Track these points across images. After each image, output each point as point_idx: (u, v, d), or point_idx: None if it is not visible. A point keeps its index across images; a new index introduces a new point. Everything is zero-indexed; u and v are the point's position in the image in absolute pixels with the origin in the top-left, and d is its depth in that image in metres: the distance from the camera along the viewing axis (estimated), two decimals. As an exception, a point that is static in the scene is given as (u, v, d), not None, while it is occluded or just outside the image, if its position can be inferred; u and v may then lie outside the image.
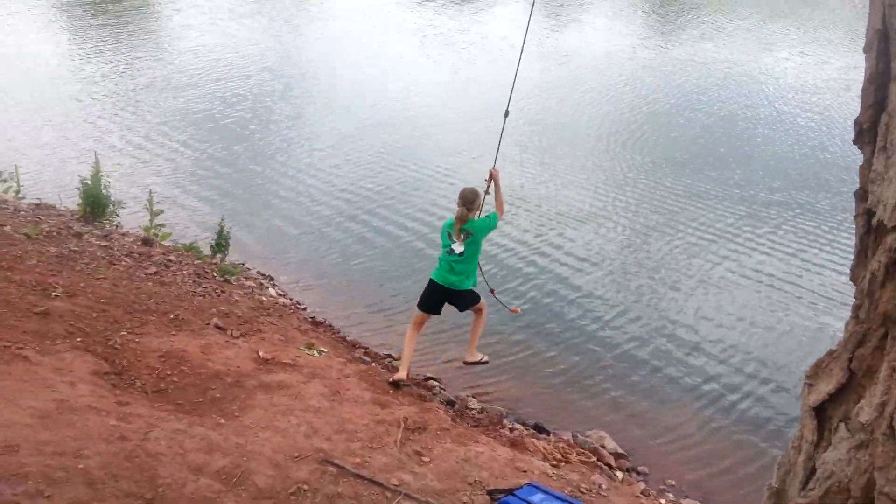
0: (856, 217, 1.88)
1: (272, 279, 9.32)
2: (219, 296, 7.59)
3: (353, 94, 16.54)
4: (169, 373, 5.44)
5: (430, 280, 6.44)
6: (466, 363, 7.06)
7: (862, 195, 1.87)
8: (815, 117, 16.54)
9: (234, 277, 8.50)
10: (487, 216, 6.38)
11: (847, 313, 1.91)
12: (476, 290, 6.52)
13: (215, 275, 8.38)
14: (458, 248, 6.21)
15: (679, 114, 16.38)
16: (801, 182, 13.01)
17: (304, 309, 8.72)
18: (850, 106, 17.28)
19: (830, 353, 1.89)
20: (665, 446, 6.95)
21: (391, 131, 14.39)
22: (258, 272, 9.39)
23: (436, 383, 7.46)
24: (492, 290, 6.89)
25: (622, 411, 7.34)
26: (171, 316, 6.33)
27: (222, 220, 9.17)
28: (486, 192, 6.48)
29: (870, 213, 1.81)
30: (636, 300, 9.21)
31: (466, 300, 6.51)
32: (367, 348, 7.97)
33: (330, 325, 8.44)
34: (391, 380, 6.50)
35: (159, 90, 15.94)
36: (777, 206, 12.03)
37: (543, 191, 12.15)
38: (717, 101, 17.43)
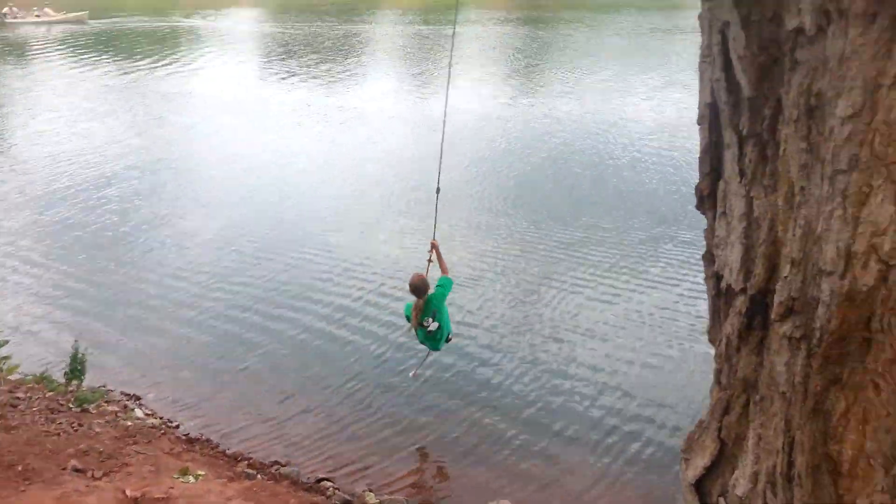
0: (706, 279, 1.92)
1: (138, 399, 8.65)
2: (76, 430, 6.92)
3: (223, 187, 15.98)
4: (19, 535, 4.82)
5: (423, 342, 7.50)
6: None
7: (709, 258, 1.92)
8: (675, 154, 17.65)
9: (93, 405, 7.81)
10: (438, 286, 7.12)
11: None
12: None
13: (71, 406, 7.67)
14: (433, 326, 7.10)
15: (551, 167, 16.97)
16: (671, 216, 13.72)
17: (177, 427, 8.12)
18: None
19: (700, 423, 1.88)
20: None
21: (263, 223, 13.89)
22: (122, 393, 8.71)
23: (329, 484, 7.10)
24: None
25: (525, 479, 7.25)
26: (19, 468, 5.66)
27: (76, 342, 8.49)
28: (430, 261, 7.32)
29: (718, 276, 1.86)
30: (530, 361, 9.23)
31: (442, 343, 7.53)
32: (251, 460, 7.49)
33: (208, 440, 7.89)
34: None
35: (11, 205, 14.77)
36: (651, 242, 12.60)
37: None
38: (584, 151, 18.22)
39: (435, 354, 8.06)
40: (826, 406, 1.44)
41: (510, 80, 28.51)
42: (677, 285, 11.07)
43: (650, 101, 24.00)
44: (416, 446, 7.79)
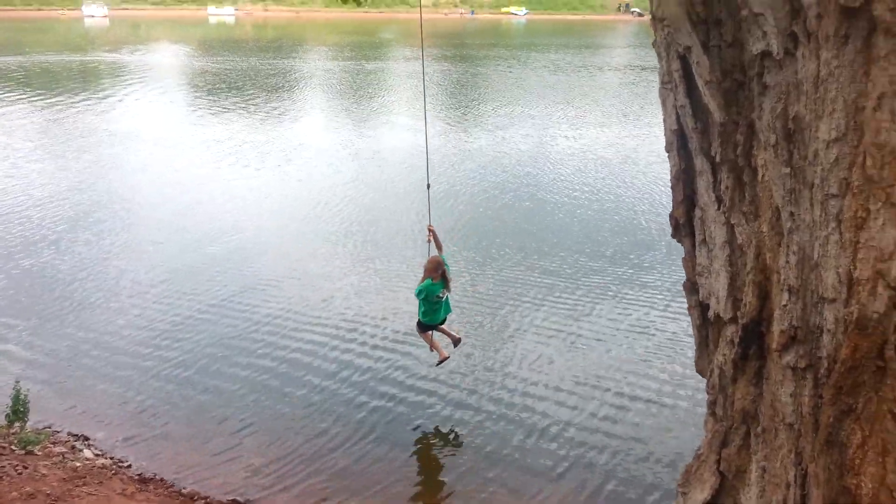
0: (689, 309, 1.89)
1: (87, 439, 8.23)
2: (20, 474, 6.55)
3: (166, 227, 15.50)
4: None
5: (423, 323, 8.44)
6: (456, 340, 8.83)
7: (691, 288, 1.88)
8: (621, 181, 17.95)
9: (38, 447, 7.42)
10: (445, 264, 8.19)
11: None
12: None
13: (14, 448, 7.27)
14: (445, 294, 8.26)
15: (499, 202, 16.97)
16: (630, 242, 13.89)
17: (129, 466, 7.74)
18: (639, 163, 19.11)
19: (697, 456, 1.83)
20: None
21: (208, 262, 13.46)
22: (69, 433, 8.27)
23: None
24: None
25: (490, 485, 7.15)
26: (-40, 514, 5.33)
27: (17, 383, 8.06)
28: (429, 242, 8.48)
29: (703, 306, 1.82)
30: (501, 401, 9.09)
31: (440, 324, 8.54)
32: (208, 498, 7.19)
33: (161, 480, 7.55)
34: (437, 363, 8.71)
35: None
36: (612, 265, 12.72)
37: (374, 300, 11.98)
38: (530, 184, 18.34)
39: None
40: (840, 438, 1.39)
41: (453, 114, 28.66)
42: (647, 307, 11.19)
43: (588, 132, 24.47)
44: (384, 485, 7.58)
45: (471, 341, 10.19)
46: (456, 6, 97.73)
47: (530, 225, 15.24)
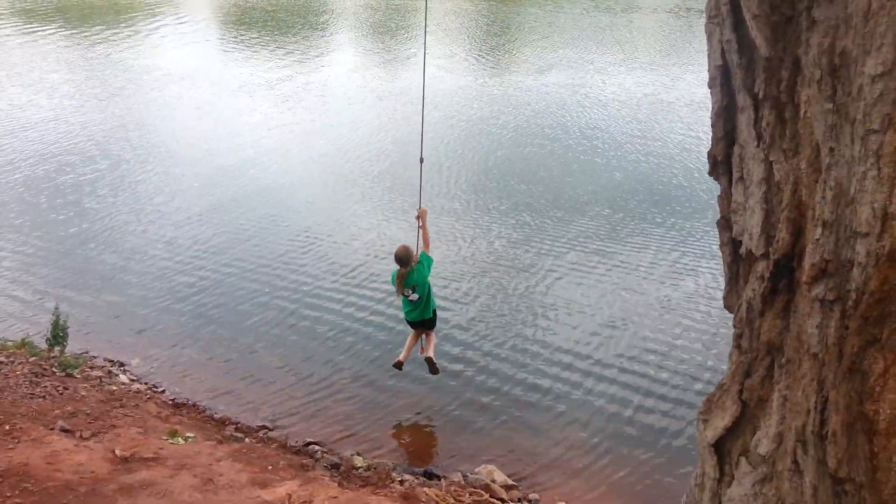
0: (721, 246, 1.91)
1: (122, 364, 8.56)
2: (61, 394, 6.85)
3: (197, 160, 15.69)
4: (9, 494, 4.78)
5: (408, 321, 7.74)
6: (428, 358, 7.69)
7: (724, 224, 1.89)
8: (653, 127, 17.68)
9: (77, 370, 7.73)
10: (420, 263, 7.33)
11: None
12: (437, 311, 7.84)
13: (55, 370, 7.58)
14: (414, 297, 7.39)
15: (525, 146, 16.85)
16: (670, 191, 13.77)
17: (163, 392, 8.06)
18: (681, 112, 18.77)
19: (720, 385, 1.88)
20: (553, 472, 6.99)
21: (244, 201, 13.50)
22: (105, 359, 8.60)
23: (317, 447, 7.13)
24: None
25: (508, 444, 7.33)
26: (6, 427, 5.61)
27: (56, 309, 8.34)
28: (420, 227, 7.47)
29: (735, 243, 1.84)
30: (523, 339, 9.17)
31: (433, 322, 7.77)
32: (239, 423, 7.49)
33: (194, 405, 7.86)
34: (393, 363, 7.70)
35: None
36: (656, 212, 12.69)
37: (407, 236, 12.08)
38: (560, 129, 18.06)
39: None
40: (863, 367, 1.43)
41: (487, 55, 28.10)
42: (667, 258, 11.17)
43: (642, 76, 23.89)
44: (404, 415, 7.82)
45: (505, 290, 10.32)
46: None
47: (549, 172, 15.13)
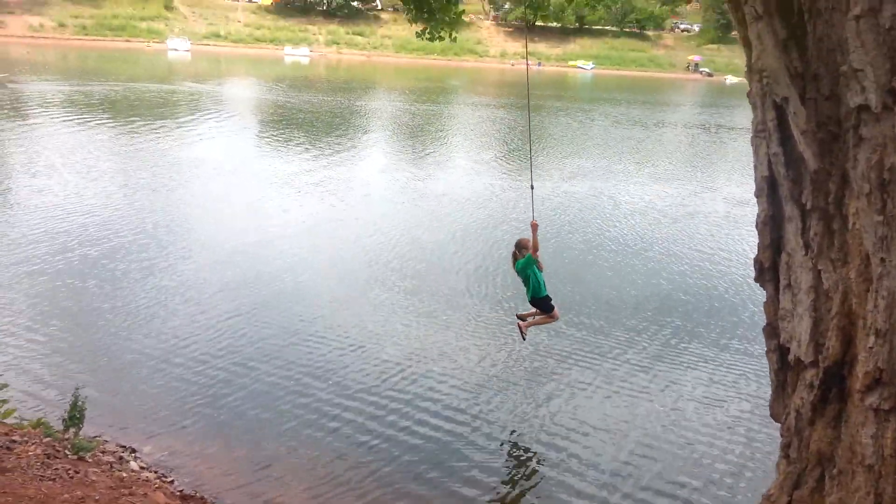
0: (767, 353, 1.90)
1: (134, 451, 8.43)
2: (72, 478, 6.73)
3: (222, 244, 16.04)
4: (11, 580, 4.63)
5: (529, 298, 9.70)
6: (521, 325, 9.92)
7: (771, 332, 1.89)
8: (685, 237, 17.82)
9: (89, 454, 7.62)
10: (524, 258, 9.34)
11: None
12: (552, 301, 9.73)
13: (68, 453, 7.48)
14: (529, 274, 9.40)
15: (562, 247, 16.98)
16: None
17: (171, 482, 7.89)
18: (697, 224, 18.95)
19: (767, 497, 1.82)
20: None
21: (264, 290, 13.66)
22: (118, 444, 8.49)
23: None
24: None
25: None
26: (14, 510, 5.50)
27: (76, 390, 8.31)
28: (532, 234, 9.32)
29: (782, 349, 1.83)
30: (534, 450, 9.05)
31: (543, 304, 9.70)
32: (246, 520, 7.29)
33: (202, 498, 7.66)
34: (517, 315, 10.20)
35: (12, 254, 14.66)
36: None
37: (425, 343, 12.06)
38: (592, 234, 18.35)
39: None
40: (925, 479, 1.39)
41: (519, 162, 28.89)
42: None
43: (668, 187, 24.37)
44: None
45: (531, 382, 10.20)
46: (523, 58, 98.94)
47: (586, 275, 15.17)
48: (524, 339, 10.20)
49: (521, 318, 10.03)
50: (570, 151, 32.17)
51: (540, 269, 9.56)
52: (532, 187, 10.10)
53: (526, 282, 9.52)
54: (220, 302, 12.85)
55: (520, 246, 9.52)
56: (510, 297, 13.39)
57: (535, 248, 9.34)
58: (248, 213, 18.77)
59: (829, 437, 1.66)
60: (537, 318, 10.00)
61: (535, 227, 9.34)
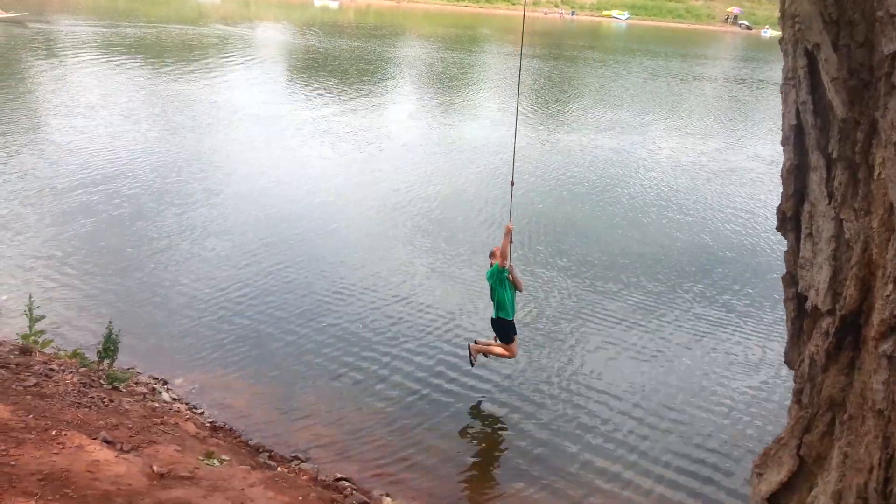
0: (785, 301, 1.92)
1: (166, 383, 8.73)
2: (107, 406, 7.00)
3: (258, 188, 16.20)
4: (50, 498, 4.88)
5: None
6: (475, 344, 8.69)
7: (790, 280, 1.91)
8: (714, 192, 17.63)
9: (123, 384, 7.89)
10: (492, 267, 8.19)
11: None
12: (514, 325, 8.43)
13: (103, 382, 7.75)
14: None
15: (585, 204, 16.94)
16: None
17: (202, 413, 8.18)
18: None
19: (778, 440, 1.86)
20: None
21: (296, 231, 13.88)
22: (150, 376, 8.78)
23: (347, 484, 7.10)
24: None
25: (553, 498, 7.21)
26: (53, 432, 5.74)
27: (110, 323, 8.55)
28: (510, 241, 8.30)
29: (800, 298, 1.85)
30: (570, 391, 9.19)
31: (498, 326, 8.42)
32: (272, 452, 7.53)
33: (230, 430, 7.94)
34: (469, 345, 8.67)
35: (43, 191, 14.95)
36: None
37: (464, 273, 12.17)
38: (619, 188, 18.21)
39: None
40: (932, 424, 1.42)
41: (545, 114, 28.52)
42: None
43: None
44: (440, 458, 7.76)
45: (545, 346, 10.28)
46: (556, 6, 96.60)
47: (612, 233, 15.11)
48: (472, 364, 8.71)
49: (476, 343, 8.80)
50: (609, 103, 31.65)
51: (517, 288, 8.25)
52: (512, 184, 8.85)
53: (492, 296, 8.30)
54: (251, 241, 13.07)
55: (491, 253, 8.35)
56: (544, 256, 13.42)
57: (504, 257, 8.13)
58: (289, 160, 18.91)
59: (842, 383, 1.69)
60: (492, 345, 8.55)
61: (508, 230, 8.15)
